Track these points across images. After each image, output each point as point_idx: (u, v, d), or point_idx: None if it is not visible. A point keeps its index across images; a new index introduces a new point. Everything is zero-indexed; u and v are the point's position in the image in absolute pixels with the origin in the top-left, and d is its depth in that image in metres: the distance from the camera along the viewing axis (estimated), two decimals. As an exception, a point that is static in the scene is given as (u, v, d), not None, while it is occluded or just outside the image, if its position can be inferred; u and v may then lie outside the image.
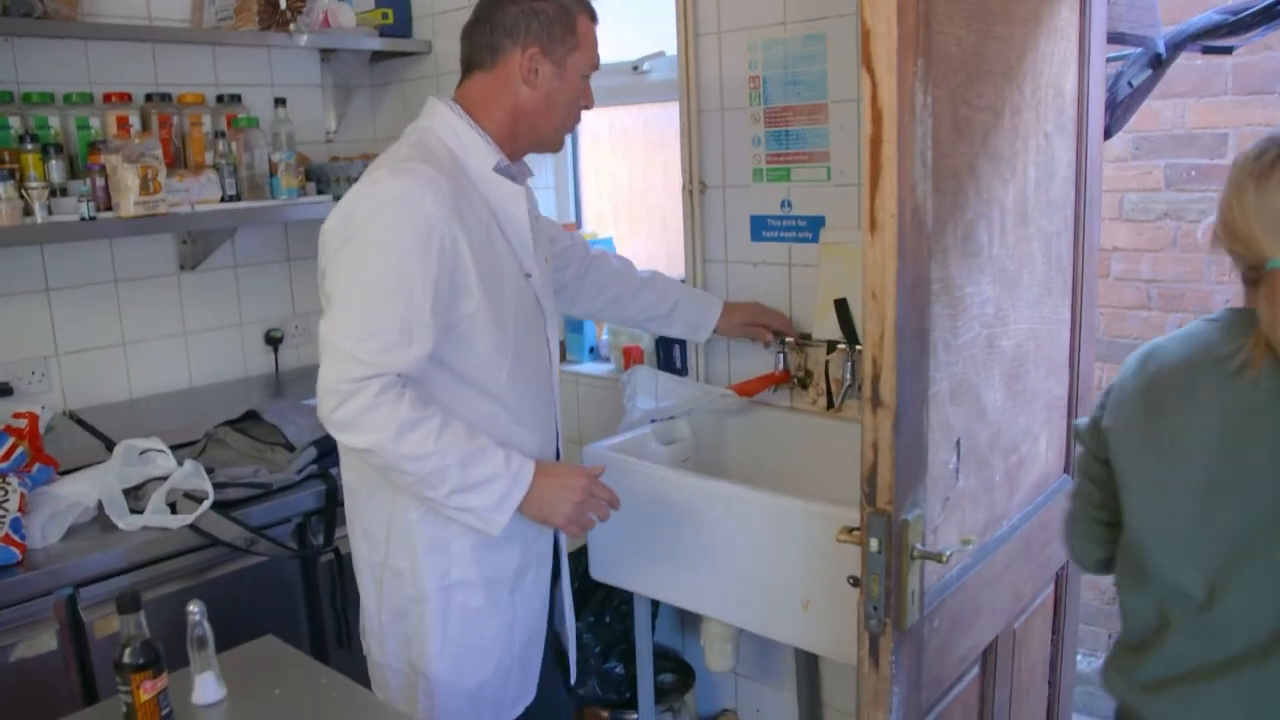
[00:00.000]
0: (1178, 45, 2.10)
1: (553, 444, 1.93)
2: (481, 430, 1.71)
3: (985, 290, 1.57)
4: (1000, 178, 1.59)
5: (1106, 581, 2.57)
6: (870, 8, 1.26)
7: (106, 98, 2.59)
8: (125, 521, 2.08)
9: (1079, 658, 2.69)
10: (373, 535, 1.84)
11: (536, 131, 1.83)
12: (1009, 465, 1.73)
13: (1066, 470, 1.97)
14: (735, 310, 2.32)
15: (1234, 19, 2.07)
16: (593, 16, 1.83)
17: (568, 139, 2.95)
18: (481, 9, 1.79)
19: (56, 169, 2.39)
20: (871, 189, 1.29)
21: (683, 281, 2.49)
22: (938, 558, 1.38)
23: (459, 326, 1.70)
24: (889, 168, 1.27)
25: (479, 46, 1.78)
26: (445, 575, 1.79)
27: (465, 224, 1.67)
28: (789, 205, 2.32)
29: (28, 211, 2.27)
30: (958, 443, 1.53)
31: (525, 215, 1.81)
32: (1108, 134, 2.04)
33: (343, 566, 2.28)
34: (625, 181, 2.95)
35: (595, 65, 1.85)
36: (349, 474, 1.88)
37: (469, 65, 1.81)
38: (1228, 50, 2.22)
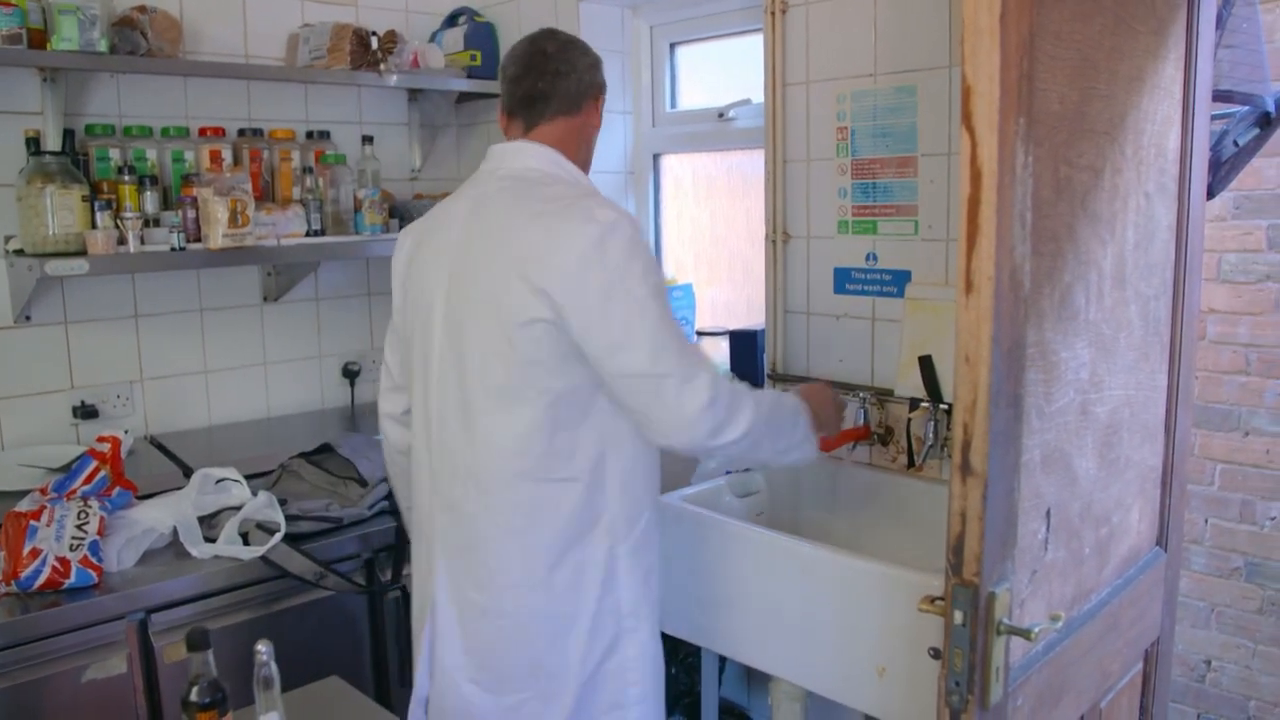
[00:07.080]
0: (1288, 104, 2.02)
1: None
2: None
3: (1081, 355, 1.51)
4: (1099, 239, 1.53)
5: (1197, 658, 2.45)
6: (972, 64, 1.22)
7: (201, 132, 2.66)
8: (199, 550, 2.11)
9: (1164, 738, 2.57)
10: (588, 578, 1.77)
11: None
12: (1099, 537, 1.66)
13: (1159, 543, 1.88)
14: None
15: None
16: None
17: (650, 183, 2.96)
18: (561, 60, 1.84)
19: (151, 200, 2.45)
20: (968, 250, 1.24)
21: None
22: (1025, 634, 1.32)
23: None
24: (987, 229, 1.22)
25: (565, 95, 1.84)
26: (650, 592, 1.84)
27: None
28: (874, 258, 2.28)
29: (121, 240, 2.32)
30: (1048, 513, 1.47)
31: None
32: (1210, 194, 1.96)
33: (409, 605, 2.26)
34: (707, 228, 2.93)
35: None
36: (560, 512, 1.75)
37: (542, 112, 1.85)
38: (1341, 110, 2.13)
